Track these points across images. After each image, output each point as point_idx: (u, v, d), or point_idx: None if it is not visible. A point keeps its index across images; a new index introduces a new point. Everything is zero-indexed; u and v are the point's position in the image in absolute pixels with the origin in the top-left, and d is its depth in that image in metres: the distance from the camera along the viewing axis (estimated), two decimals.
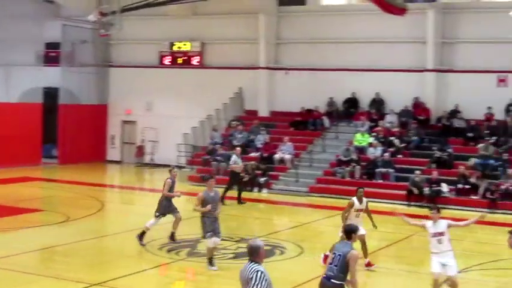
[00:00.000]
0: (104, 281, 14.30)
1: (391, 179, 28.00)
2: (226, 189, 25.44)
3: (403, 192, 26.54)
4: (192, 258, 16.69)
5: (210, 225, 15.43)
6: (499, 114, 29.82)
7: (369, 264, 15.99)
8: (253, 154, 31.22)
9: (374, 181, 27.85)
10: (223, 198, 24.34)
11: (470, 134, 29.34)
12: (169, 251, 17.32)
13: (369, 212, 16.63)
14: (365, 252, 15.96)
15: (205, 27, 35.58)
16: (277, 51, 34.76)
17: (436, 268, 12.93)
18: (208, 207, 15.32)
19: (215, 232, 15.50)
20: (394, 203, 25.89)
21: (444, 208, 25.46)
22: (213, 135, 33.15)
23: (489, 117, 29.85)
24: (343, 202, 25.57)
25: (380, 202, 26.01)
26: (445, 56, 31.37)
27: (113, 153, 38.75)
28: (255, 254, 8.45)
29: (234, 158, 26.27)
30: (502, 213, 24.69)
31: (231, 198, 25.46)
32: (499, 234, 19.24)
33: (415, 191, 26.14)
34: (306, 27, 33.55)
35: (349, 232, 10.73)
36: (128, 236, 19.10)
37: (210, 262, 15.45)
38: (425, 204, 25.82)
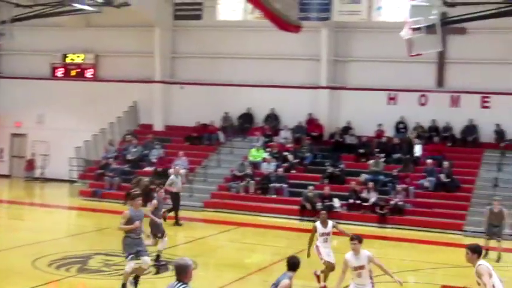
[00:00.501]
0: None
1: (285, 194, 28.34)
2: (170, 211, 24.82)
3: (296, 207, 26.92)
4: (83, 275, 16.34)
5: (132, 246, 14.51)
6: (389, 131, 30.75)
7: None
8: (147, 169, 31.00)
9: (268, 196, 28.14)
10: (177, 220, 24.42)
11: (361, 150, 30.06)
12: (58, 267, 16.91)
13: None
14: (325, 277, 15.47)
15: (100, 39, 35.14)
16: (172, 65, 34.68)
17: None
18: (137, 223, 14.48)
19: (141, 253, 14.58)
20: (287, 218, 26.24)
21: (336, 223, 26.20)
22: (109, 149, 32.68)
23: (379, 134, 30.71)
24: (237, 217, 25.98)
25: (273, 217, 26.35)
26: (338, 74, 32.11)
27: (1, 167, 37.55)
28: (183, 273, 8.10)
29: (172, 178, 25.64)
30: (391, 227, 25.42)
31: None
32: (389, 248, 19.84)
33: (308, 206, 26.55)
34: (202, 42, 33.65)
35: (291, 264, 10.37)
36: (17, 252, 18.57)
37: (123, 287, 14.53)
38: (317, 219, 26.35)
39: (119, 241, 21.31)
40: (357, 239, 12.32)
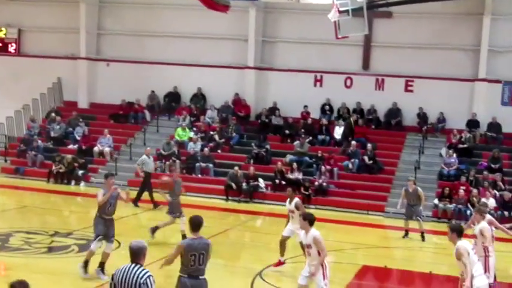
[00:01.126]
0: None
1: (211, 174, 28.43)
2: (141, 191, 24.42)
3: (222, 187, 27.02)
4: (3, 253, 16.07)
5: (102, 228, 14.25)
6: (315, 113, 31.07)
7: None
8: (71, 146, 30.63)
9: (194, 176, 28.14)
10: (137, 200, 23.87)
11: (287, 132, 30.32)
12: None
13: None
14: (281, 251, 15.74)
15: (24, 14, 34.39)
16: (98, 41, 34.20)
17: (301, 280, 12.23)
18: (114, 190, 14.39)
19: (107, 237, 14.33)
20: (212, 198, 26.31)
21: (261, 203, 26.45)
22: (32, 126, 32.11)
23: (305, 115, 30.99)
24: (160, 196, 25.82)
25: (199, 197, 26.34)
26: (265, 55, 32.24)
27: None
28: (140, 255, 8.11)
29: (143, 157, 25.24)
30: (314, 208, 25.71)
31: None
32: None
33: (234, 186, 26.68)
34: (129, 19, 33.27)
35: (196, 224, 10.23)
36: None
37: (85, 265, 14.13)
38: (242, 199, 26.56)
39: (40, 219, 21.13)
40: (306, 217, 12.13)
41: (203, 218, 10.19)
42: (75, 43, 33.60)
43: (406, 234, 21.09)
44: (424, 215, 21.70)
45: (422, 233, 20.74)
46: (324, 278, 11.72)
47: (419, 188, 21.44)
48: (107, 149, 30.09)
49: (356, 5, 22.38)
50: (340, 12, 22.36)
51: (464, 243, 11.12)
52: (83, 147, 30.31)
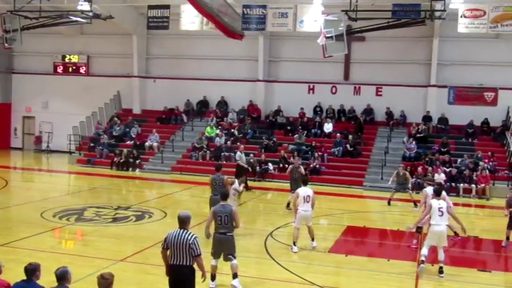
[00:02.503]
0: (7, 242, 13.51)
1: (233, 161, 28.26)
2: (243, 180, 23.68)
3: None
4: (80, 223, 16.11)
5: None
6: (309, 113, 30.95)
7: None
8: (128, 142, 30.67)
9: (220, 162, 27.99)
10: (247, 186, 22.45)
11: (289, 127, 30.20)
12: (61, 217, 16.63)
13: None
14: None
15: (91, 44, 34.39)
16: (147, 64, 34.14)
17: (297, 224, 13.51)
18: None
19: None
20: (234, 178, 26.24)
21: (270, 181, 26.38)
22: (98, 128, 32.18)
23: (302, 115, 30.87)
24: (197, 178, 25.87)
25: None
26: (271, 71, 32.10)
27: (15, 142, 36.72)
28: (186, 222, 8.11)
29: (238, 154, 25.07)
30: (311, 184, 25.45)
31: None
32: None
33: (250, 169, 26.54)
34: (169, 47, 33.19)
35: (223, 195, 10.60)
36: (28, 207, 18.23)
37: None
38: (257, 179, 26.47)
39: (107, 197, 21.18)
40: (303, 181, 14.20)
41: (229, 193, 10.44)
42: (130, 65, 33.56)
43: (389, 203, 20.93)
44: (409, 188, 21.48)
45: (414, 202, 20.22)
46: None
47: (406, 172, 21.74)
48: (155, 144, 30.10)
49: (338, 32, 22.24)
50: (326, 37, 22.28)
51: (428, 190, 11.91)
52: (137, 142, 30.33)
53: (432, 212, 11.83)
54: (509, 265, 13.79)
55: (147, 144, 30.26)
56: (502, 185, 24.68)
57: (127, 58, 33.57)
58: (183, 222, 8.13)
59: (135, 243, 13.82)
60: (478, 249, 15.40)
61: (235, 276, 10.38)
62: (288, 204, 18.66)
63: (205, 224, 10.72)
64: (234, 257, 10.35)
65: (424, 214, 12.35)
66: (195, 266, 8.08)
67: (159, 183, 25.95)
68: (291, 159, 26.62)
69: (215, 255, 10.36)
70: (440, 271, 11.85)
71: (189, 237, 7.95)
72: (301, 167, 20.18)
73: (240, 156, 24.96)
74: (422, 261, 11.80)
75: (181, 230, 8.07)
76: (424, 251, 11.88)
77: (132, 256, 12.58)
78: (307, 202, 13.30)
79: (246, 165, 24.85)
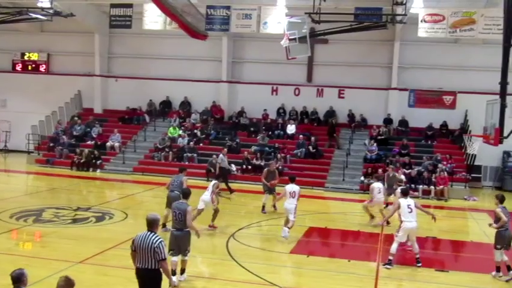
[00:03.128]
0: None
1: (195, 161, 28.22)
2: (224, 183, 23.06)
3: (203, 171, 26.81)
4: (38, 224, 15.78)
5: None
6: (272, 115, 31.04)
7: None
8: (89, 142, 30.23)
9: (182, 163, 27.84)
10: (230, 188, 22.95)
11: (252, 129, 30.23)
12: (18, 218, 16.26)
13: None
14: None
15: (51, 42, 33.76)
16: (109, 63, 33.71)
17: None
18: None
19: None
20: (197, 179, 26.12)
21: (233, 182, 26.32)
22: (58, 127, 31.58)
23: (265, 117, 30.94)
24: (159, 179, 25.63)
25: (186, 179, 26.01)
26: (235, 71, 32.10)
27: None
28: (154, 225, 8.06)
29: (221, 156, 24.69)
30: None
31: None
32: (270, 201, 20.03)
33: (212, 170, 26.44)
34: (132, 46, 32.86)
35: (185, 194, 10.97)
36: None
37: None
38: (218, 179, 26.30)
39: (66, 198, 20.77)
40: (290, 178, 16.16)
41: (192, 193, 10.63)
42: (91, 64, 33.10)
43: (386, 206, 20.77)
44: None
45: (387, 204, 19.88)
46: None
47: (396, 174, 21.63)
48: (116, 144, 29.74)
49: (301, 35, 22.31)
50: (289, 39, 22.34)
51: (401, 200, 12.79)
52: (98, 142, 29.92)
53: (402, 210, 12.60)
54: (466, 265, 14.09)
55: (108, 144, 29.88)
56: (460, 186, 25.26)
57: (89, 57, 33.08)
58: (151, 224, 8.08)
59: (95, 244, 13.60)
60: (436, 249, 15.69)
61: (182, 271, 10.76)
62: (264, 208, 18.89)
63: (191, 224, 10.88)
64: (186, 254, 10.66)
65: (392, 211, 13.66)
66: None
67: (120, 184, 25.63)
68: (253, 160, 26.71)
69: (174, 252, 10.44)
70: (418, 261, 12.73)
71: (154, 241, 7.88)
72: (276, 171, 20.78)
73: (222, 159, 24.81)
74: (390, 261, 12.27)
75: (149, 233, 8.00)
76: (394, 247, 12.54)
77: (91, 258, 12.38)
78: (293, 197, 15.21)
79: (228, 166, 25.12)
